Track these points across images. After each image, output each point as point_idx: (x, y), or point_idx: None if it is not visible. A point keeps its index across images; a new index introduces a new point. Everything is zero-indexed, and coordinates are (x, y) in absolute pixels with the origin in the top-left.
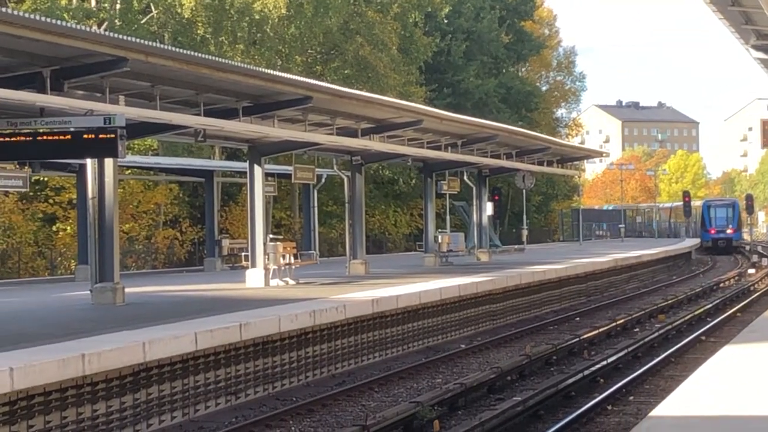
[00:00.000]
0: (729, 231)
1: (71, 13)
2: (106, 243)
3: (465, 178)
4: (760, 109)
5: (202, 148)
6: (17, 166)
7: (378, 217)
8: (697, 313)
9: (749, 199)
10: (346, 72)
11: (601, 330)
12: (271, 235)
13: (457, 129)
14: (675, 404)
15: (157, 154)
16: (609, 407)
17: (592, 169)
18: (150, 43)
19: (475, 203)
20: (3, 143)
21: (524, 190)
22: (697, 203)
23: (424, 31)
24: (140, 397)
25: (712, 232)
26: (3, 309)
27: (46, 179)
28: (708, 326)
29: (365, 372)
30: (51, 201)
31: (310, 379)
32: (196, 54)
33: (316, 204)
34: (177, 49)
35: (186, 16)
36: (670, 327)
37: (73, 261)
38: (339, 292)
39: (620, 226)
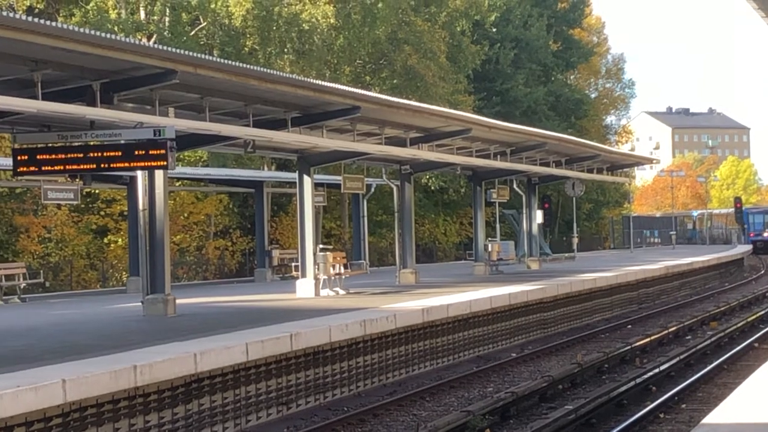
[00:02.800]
0: (765, 234)
1: (121, 26)
2: (157, 254)
3: (514, 186)
4: None
5: (252, 158)
6: (69, 179)
7: (428, 226)
8: (749, 320)
9: None
10: (394, 81)
11: (652, 338)
12: (321, 245)
13: (505, 137)
14: (728, 411)
15: (206, 166)
16: (661, 415)
17: (642, 176)
18: (198, 55)
19: (524, 211)
20: (54, 156)
21: (574, 198)
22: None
23: (472, 39)
24: (192, 408)
25: (751, 235)
26: (55, 321)
27: (97, 191)
28: (761, 333)
29: (416, 381)
30: (102, 213)
31: (361, 389)
32: (244, 65)
33: (365, 213)
34: (225, 61)
35: (237, 26)
36: (722, 334)
37: (124, 273)
38: (389, 302)
39: (671, 232)
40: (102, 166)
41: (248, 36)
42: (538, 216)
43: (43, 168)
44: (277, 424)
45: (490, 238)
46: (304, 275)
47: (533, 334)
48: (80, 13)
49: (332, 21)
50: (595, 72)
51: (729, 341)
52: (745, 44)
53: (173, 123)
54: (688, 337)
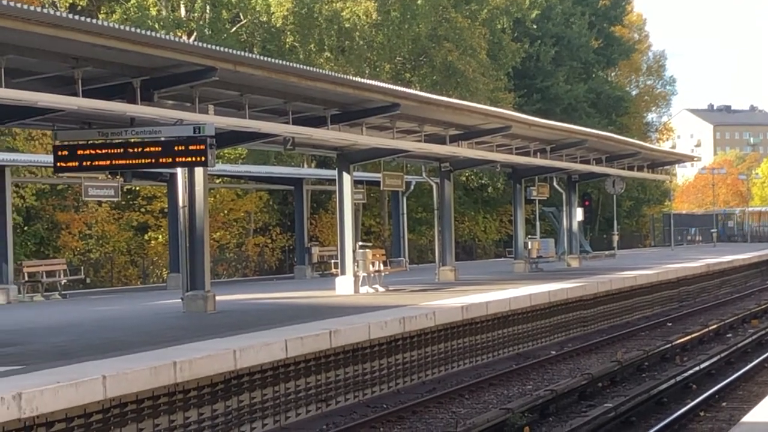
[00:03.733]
0: None
1: (161, 23)
2: (196, 251)
3: (554, 183)
4: None
5: (292, 156)
6: (109, 176)
7: (467, 224)
8: None
9: None
10: (434, 78)
11: (693, 336)
12: (360, 243)
13: (545, 134)
14: None
15: (246, 163)
16: (701, 413)
17: (683, 174)
18: (238, 52)
19: (564, 209)
20: (95, 154)
21: (614, 195)
22: (749, 210)
23: (512, 36)
24: (231, 404)
25: None
26: (96, 317)
27: (137, 188)
28: None
29: (455, 379)
30: (143, 210)
31: (400, 386)
32: (284, 63)
33: (405, 211)
34: (265, 58)
35: (277, 25)
36: (763, 332)
37: (164, 269)
38: (428, 299)
39: (712, 230)
40: (142, 162)
41: (288, 33)
42: (578, 213)
43: (83, 165)
44: (316, 420)
45: (530, 236)
46: (343, 272)
47: (573, 331)
48: (121, 10)
49: (374, 17)
50: (636, 69)
51: None
52: None
53: (213, 120)
54: (729, 335)
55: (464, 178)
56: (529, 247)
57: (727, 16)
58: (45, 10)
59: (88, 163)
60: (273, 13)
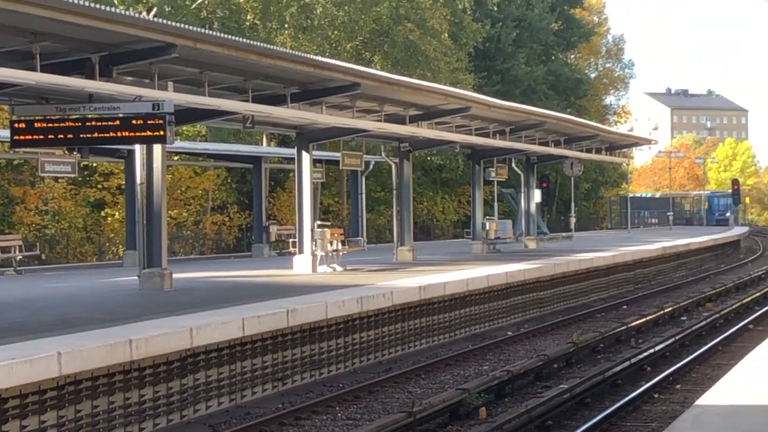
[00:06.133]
0: (728, 214)
1: None
2: (154, 228)
3: (513, 165)
4: None
5: (251, 134)
6: (66, 152)
7: (426, 204)
8: (745, 301)
9: None
10: (395, 58)
11: (648, 318)
12: (318, 222)
13: (505, 116)
14: (722, 393)
15: (205, 140)
16: (656, 395)
17: (641, 157)
18: (198, 29)
19: (523, 190)
20: (52, 129)
21: (572, 178)
22: (705, 193)
23: (474, 17)
24: (187, 382)
25: (716, 215)
26: (51, 294)
27: (95, 165)
28: (756, 315)
29: (412, 359)
30: (100, 186)
31: (357, 366)
32: (244, 40)
33: (363, 190)
34: (225, 36)
35: (241, 2)
36: (717, 315)
37: (121, 246)
38: (386, 279)
39: (668, 213)
40: (100, 138)
41: (249, 11)
42: (536, 195)
43: (40, 140)
44: (272, 399)
45: (488, 217)
46: (301, 251)
47: (530, 313)
48: None
49: None
50: (595, 52)
51: (724, 322)
52: (745, 26)
53: (172, 97)
54: (684, 318)
55: (422, 158)
56: (487, 228)
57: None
58: None
59: (45, 137)
60: None
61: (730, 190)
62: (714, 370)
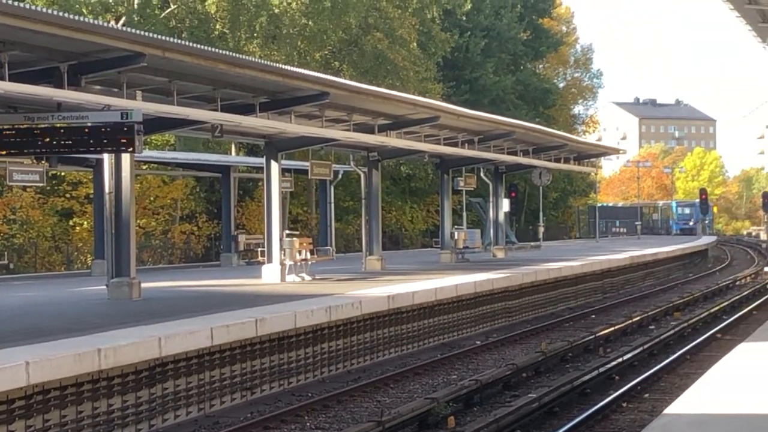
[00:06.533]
0: (691, 223)
1: (90, 8)
2: (122, 238)
3: (482, 174)
4: None
5: (220, 143)
6: (34, 161)
7: (394, 213)
8: (713, 311)
9: (765, 197)
10: (364, 67)
11: (617, 327)
12: (287, 231)
13: (473, 125)
14: (690, 402)
15: (174, 149)
16: (624, 404)
17: (609, 166)
18: (167, 38)
19: (491, 200)
20: (20, 138)
21: (541, 187)
22: (670, 203)
23: (442, 27)
24: (156, 392)
25: (680, 224)
26: (19, 303)
27: (63, 174)
28: (724, 324)
29: (381, 368)
30: (68, 196)
31: (325, 375)
32: (212, 49)
33: (332, 200)
34: (194, 45)
35: (211, 11)
36: (685, 325)
37: (89, 256)
38: (355, 288)
39: (637, 223)
40: (68, 148)
41: (218, 20)
42: (505, 204)
43: (8, 149)
44: (241, 408)
45: (456, 226)
46: (270, 261)
47: (498, 322)
48: None
49: (303, 1)
50: (564, 62)
51: (692, 332)
52: (713, 36)
53: (141, 106)
54: (652, 327)
55: (390, 168)
56: (456, 237)
57: (652, 11)
58: None
59: (14, 148)
60: (205, 0)
61: (694, 200)
62: (682, 379)
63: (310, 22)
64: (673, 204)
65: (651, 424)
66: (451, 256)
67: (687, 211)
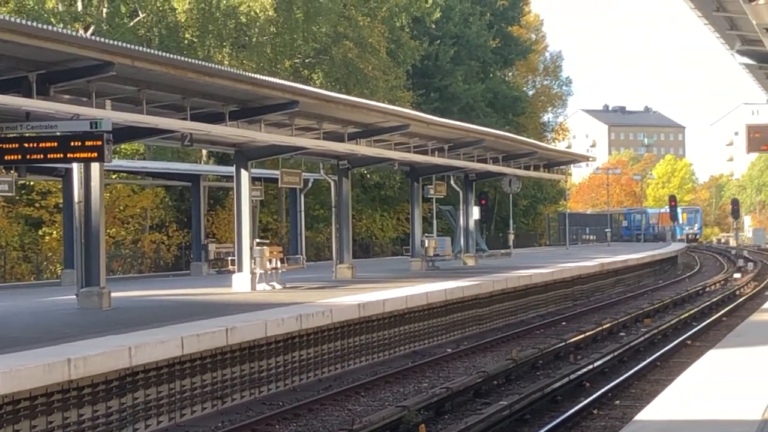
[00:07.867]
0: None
1: (58, 17)
2: (92, 247)
3: (452, 182)
4: (746, 114)
5: (191, 152)
6: (3, 171)
7: (365, 222)
8: (683, 317)
9: (735, 203)
10: (334, 76)
11: (587, 334)
12: (257, 240)
13: (443, 133)
14: (660, 408)
15: (144, 159)
16: (595, 411)
17: (579, 174)
18: (136, 47)
19: (461, 207)
20: None
21: (511, 195)
22: (621, 210)
23: (411, 35)
24: (126, 401)
25: (632, 230)
26: None
27: (32, 183)
28: (694, 330)
29: (352, 376)
30: (37, 205)
31: (296, 384)
32: (182, 58)
33: (302, 208)
34: (163, 54)
35: (181, 21)
36: (656, 331)
37: (59, 265)
38: (326, 297)
39: (606, 230)
40: (37, 157)
41: (187, 29)
42: (475, 212)
43: None
44: (212, 418)
45: (426, 234)
46: (240, 269)
47: (469, 329)
48: (15, 1)
49: (271, 13)
50: (533, 69)
51: (662, 338)
52: (682, 43)
53: (110, 115)
54: (622, 334)
55: (360, 176)
56: (426, 245)
57: (620, 19)
58: None
59: None
60: (175, 9)
61: (646, 208)
62: (652, 386)
63: (279, 30)
64: (626, 211)
65: (621, 431)
66: (421, 264)
67: (638, 218)
